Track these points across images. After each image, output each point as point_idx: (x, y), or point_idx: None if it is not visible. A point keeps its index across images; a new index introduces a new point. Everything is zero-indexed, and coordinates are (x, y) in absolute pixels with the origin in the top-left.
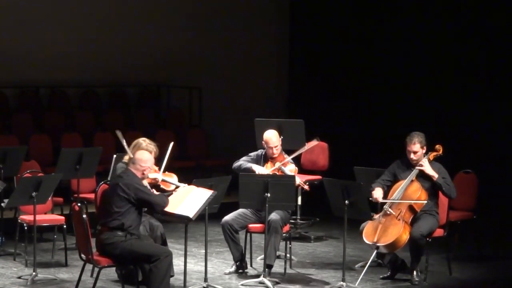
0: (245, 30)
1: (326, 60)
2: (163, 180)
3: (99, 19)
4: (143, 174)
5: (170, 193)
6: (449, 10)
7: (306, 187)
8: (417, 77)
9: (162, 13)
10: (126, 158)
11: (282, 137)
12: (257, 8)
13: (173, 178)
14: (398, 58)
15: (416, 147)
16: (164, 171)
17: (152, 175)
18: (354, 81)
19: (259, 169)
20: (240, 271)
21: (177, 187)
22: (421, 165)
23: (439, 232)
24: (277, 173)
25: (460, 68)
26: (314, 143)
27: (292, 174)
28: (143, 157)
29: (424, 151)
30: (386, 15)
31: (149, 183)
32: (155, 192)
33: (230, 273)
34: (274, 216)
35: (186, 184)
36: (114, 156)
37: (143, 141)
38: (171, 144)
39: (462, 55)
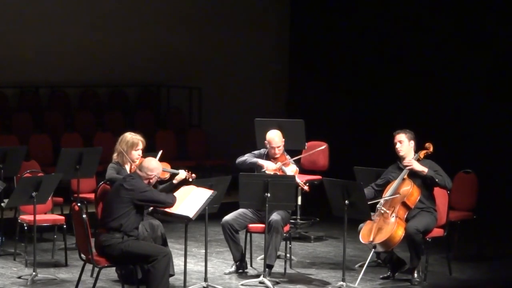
0: (245, 30)
1: (326, 60)
2: None
3: (99, 19)
4: (149, 182)
5: (168, 184)
6: (448, 9)
7: (306, 188)
8: (417, 77)
9: (162, 13)
10: (114, 156)
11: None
12: (257, 8)
13: (168, 168)
14: (398, 59)
15: (401, 137)
16: None
17: None
18: (354, 81)
19: (266, 164)
20: (240, 271)
21: (173, 174)
22: (410, 164)
23: (439, 232)
24: (278, 173)
25: (460, 67)
26: (321, 147)
27: (295, 175)
28: (150, 165)
29: (412, 145)
30: (385, 16)
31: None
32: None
33: (230, 273)
34: (275, 216)
35: (183, 170)
36: None
37: (129, 134)
38: (160, 152)
39: (462, 55)
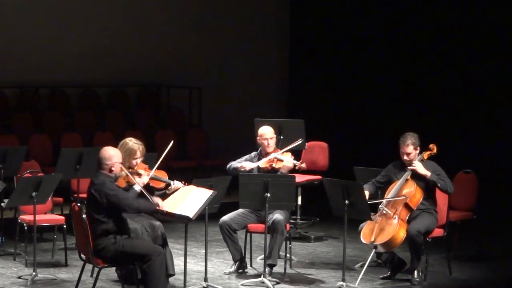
0: (245, 30)
1: (326, 60)
2: (152, 178)
3: (99, 19)
4: (111, 171)
5: (162, 192)
6: (449, 10)
7: (303, 165)
8: (417, 77)
9: (162, 13)
10: None
11: (282, 137)
12: (257, 8)
13: (164, 176)
14: (398, 58)
15: (410, 149)
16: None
17: (140, 179)
18: (354, 81)
19: (244, 164)
20: (240, 271)
21: (167, 184)
22: (413, 166)
23: (439, 232)
24: (274, 164)
25: (459, 67)
26: (298, 142)
27: (289, 159)
28: (107, 155)
29: (417, 151)
30: (386, 16)
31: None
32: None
33: (230, 273)
34: (278, 216)
35: (176, 181)
36: None
37: (129, 141)
38: (171, 142)
39: (462, 55)
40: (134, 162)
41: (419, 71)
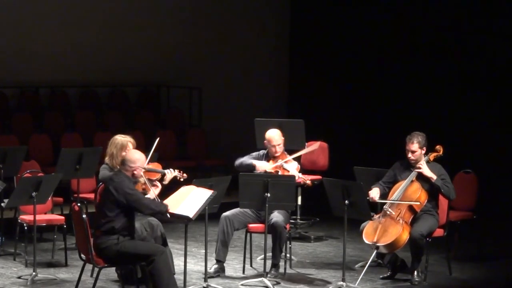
0: (245, 30)
1: (327, 60)
2: (147, 170)
3: (99, 19)
4: (134, 175)
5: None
6: (448, 10)
7: (308, 181)
8: (418, 77)
9: (162, 13)
10: (106, 159)
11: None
12: (257, 8)
13: (158, 168)
14: (399, 58)
15: (414, 147)
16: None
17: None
18: (354, 81)
19: (260, 164)
20: (218, 274)
21: (163, 175)
22: (419, 168)
23: (439, 232)
24: (280, 171)
25: (460, 67)
26: (315, 146)
27: (294, 171)
28: (132, 158)
29: (423, 151)
30: (386, 16)
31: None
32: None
33: (209, 274)
34: (276, 217)
35: (172, 170)
36: None
37: (118, 136)
38: (157, 139)
39: (462, 54)
40: None
41: (420, 71)
